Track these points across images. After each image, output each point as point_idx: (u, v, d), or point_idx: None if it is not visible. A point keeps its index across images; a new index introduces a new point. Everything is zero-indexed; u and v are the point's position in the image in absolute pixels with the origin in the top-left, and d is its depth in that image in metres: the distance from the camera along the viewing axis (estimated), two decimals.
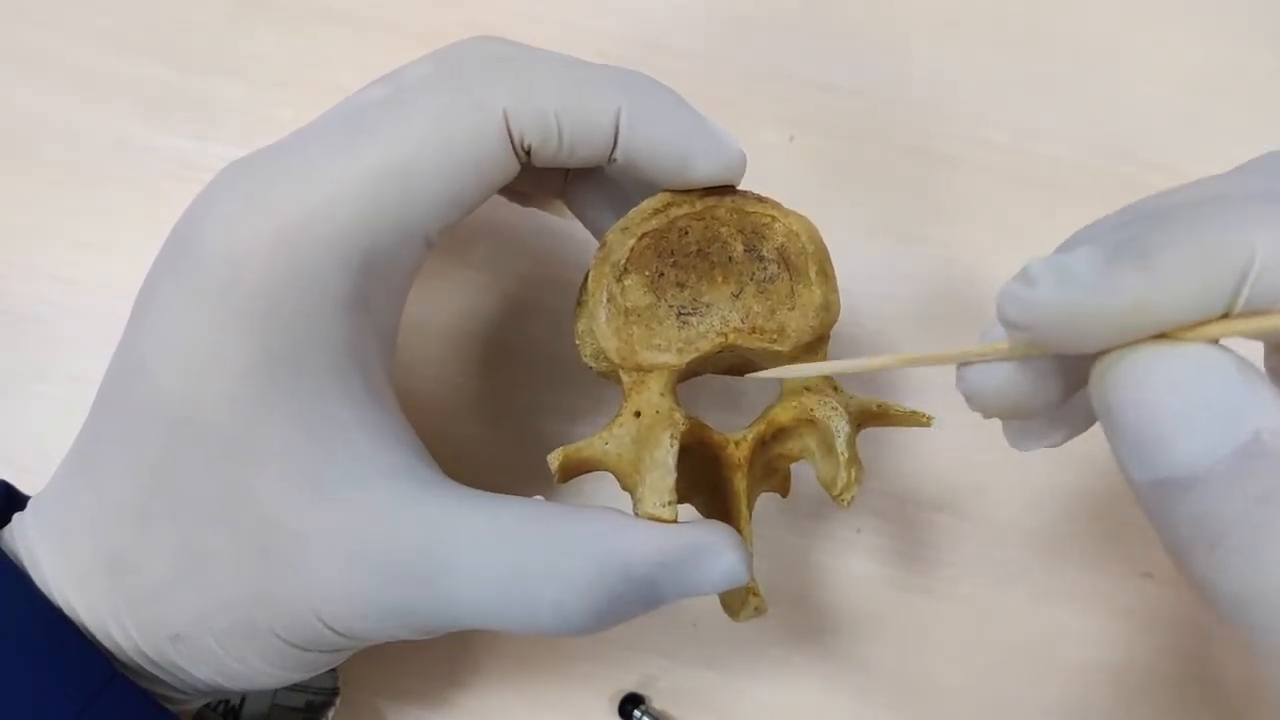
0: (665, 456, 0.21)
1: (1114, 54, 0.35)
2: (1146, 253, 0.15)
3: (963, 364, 0.19)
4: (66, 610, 0.21)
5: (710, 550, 0.21)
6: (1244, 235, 0.15)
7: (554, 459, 0.22)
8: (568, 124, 0.22)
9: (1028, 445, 0.20)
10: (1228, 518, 0.14)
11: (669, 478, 0.21)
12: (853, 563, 0.30)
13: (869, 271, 0.32)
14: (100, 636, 0.21)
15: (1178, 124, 0.34)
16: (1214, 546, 0.15)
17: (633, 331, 0.23)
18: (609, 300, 0.23)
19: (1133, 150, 0.34)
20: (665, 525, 0.21)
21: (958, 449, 0.31)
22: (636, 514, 0.21)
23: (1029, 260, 0.16)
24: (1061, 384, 0.18)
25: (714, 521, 0.22)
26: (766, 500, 0.29)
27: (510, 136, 0.22)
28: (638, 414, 0.22)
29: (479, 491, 0.22)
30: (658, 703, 0.29)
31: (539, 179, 0.26)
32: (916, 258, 0.33)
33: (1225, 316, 0.15)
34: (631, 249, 0.23)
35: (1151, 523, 0.16)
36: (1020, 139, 0.34)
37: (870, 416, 0.24)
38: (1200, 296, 0.15)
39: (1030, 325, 0.16)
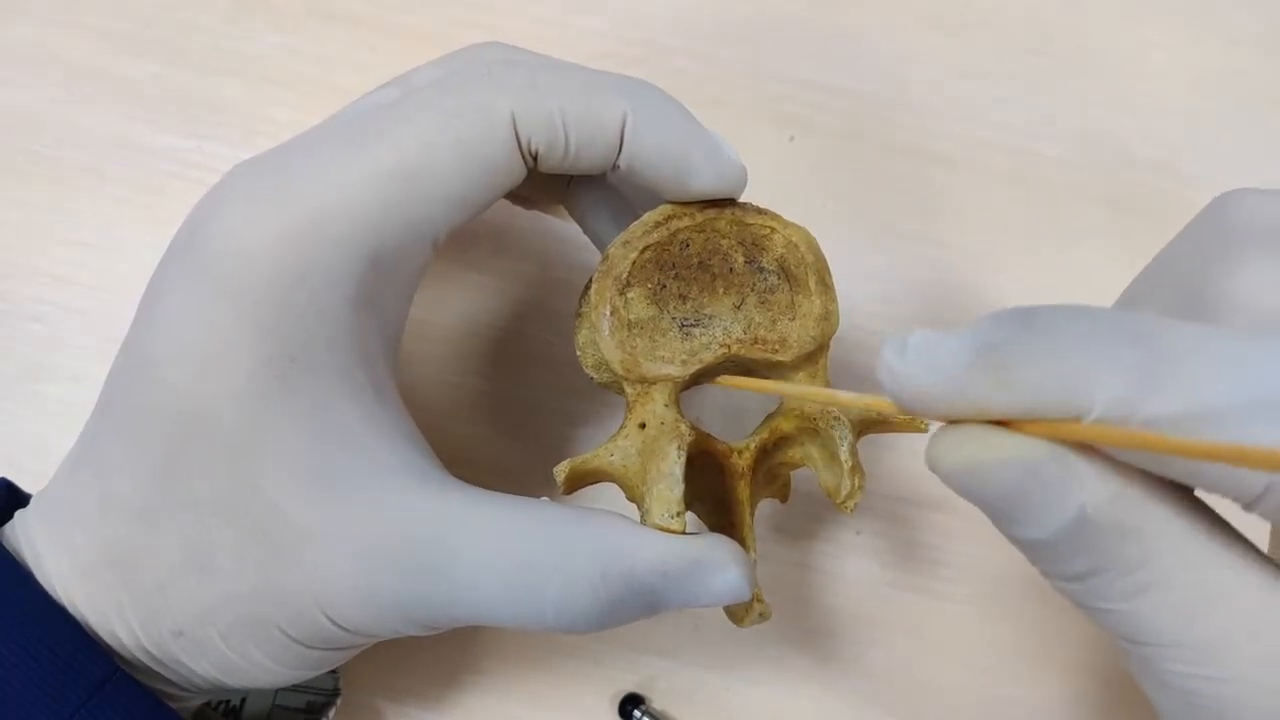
0: (673, 468, 0.21)
1: (1114, 54, 0.35)
2: (1003, 367, 0.16)
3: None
4: (69, 606, 0.21)
5: (715, 564, 0.21)
6: (1087, 381, 0.15)
7: (560, 471, 0.22)
8: (574, 129, 0.22)
9: None
10: (1075, 570, 0.17)
11: (677, 489, 0.21)
12: (852, 564, 0.30)
13: (868, 271, 0.32)
14: (102, 632, 0.21)
15: (1178, 124, 0.34)
16: (1070, 583, 0.17)
17: (636, 344, 0.23)
18: (612, 313, 0.23)
19: (1133, 150, 0.34)
20: (672, 535, 0.21)
21: None
22: (644, 524, 0.21)
23: (915, 331, 0.17)
24: None
25: (720, 535, 0.22)
26: (766, 503, 0.29)
27: (518, 140, 0.22)
28: (643, 425, 0.22)
29: (484, 490, 0.22)
30: (658, 703, 0.29)
31: (541, 184, 0.26)
32: (916, 258, 0.33)
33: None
34: (634, 262, 0.23)
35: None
36: (1020, 139, 0.34)
37: (870, 424, 0.24)
38: (1038, 415, 0.16)
39: (893, 393, 0.17)
